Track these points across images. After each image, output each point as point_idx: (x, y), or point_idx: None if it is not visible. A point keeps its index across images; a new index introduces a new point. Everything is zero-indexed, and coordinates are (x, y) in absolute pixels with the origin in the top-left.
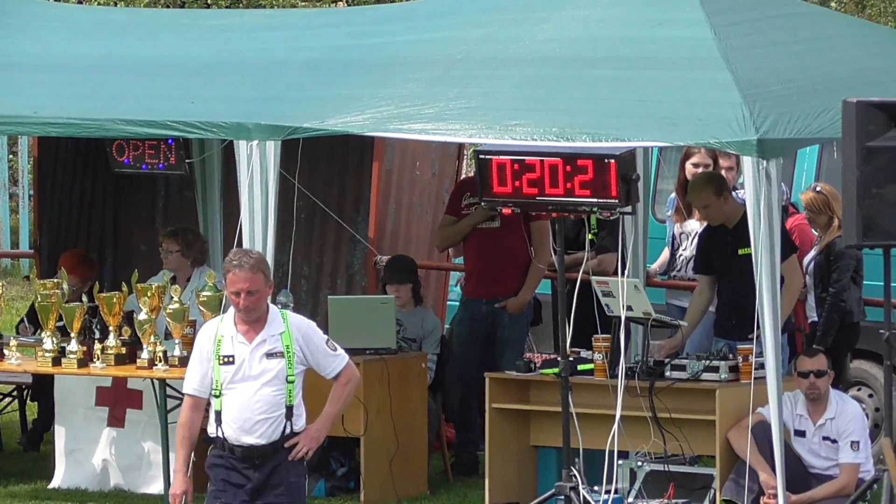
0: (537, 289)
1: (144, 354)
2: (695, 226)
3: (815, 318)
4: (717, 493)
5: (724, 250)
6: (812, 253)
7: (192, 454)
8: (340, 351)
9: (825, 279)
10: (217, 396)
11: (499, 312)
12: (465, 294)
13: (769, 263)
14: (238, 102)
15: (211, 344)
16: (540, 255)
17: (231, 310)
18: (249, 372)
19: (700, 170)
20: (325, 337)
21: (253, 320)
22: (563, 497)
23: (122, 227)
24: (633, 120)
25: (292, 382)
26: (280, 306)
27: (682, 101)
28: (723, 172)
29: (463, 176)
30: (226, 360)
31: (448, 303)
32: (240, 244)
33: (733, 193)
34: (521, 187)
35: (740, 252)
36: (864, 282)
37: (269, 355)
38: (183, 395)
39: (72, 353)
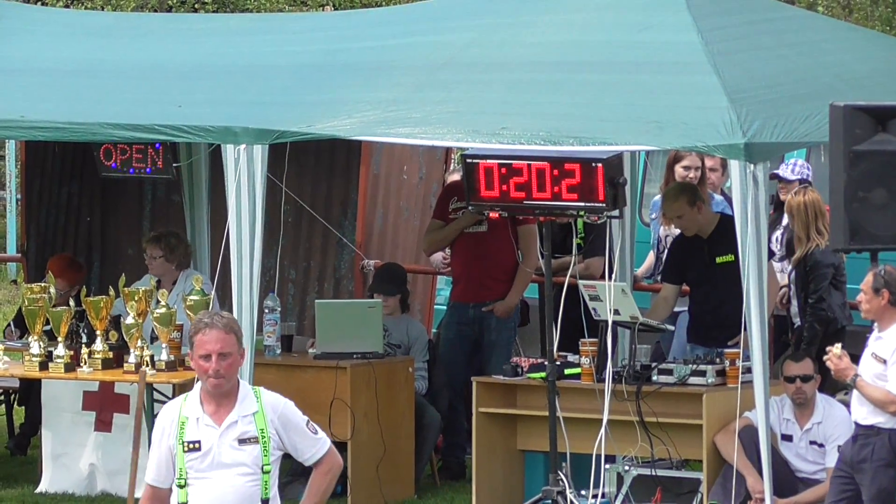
0: (525, 292)
1: (131, 359)
2: None
3: (801, 323)
4: (705, 498)
5: (699, 259)
6: (789, 265)
7: None
8: (322, 434)
9: (806, 289)
10: (181, 486)
11: (486, 316)
12: (452, 298)
13: (756, 267)
14: (225, 106)
15: (173, 427)
16: (527, 258)
17: (196, 387)
18: (220, 459)
19: (691, 174)
20: (305, 418)
21: (223, 395)
22: (549, 501)
23: (110, 232)
24: (620, 124)
25: (268, 473)
26: (267, 310)
27: (669, 105)
28: (708, 174)
29: (444, 179)
30: (191, 446)
31: (435, 307)
32: (227, 248)
33: (717, 197)
34: (509, 191)
35: (718, 260)
36: (852, 286)
37: (242, 441)
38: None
39: (59, 357)
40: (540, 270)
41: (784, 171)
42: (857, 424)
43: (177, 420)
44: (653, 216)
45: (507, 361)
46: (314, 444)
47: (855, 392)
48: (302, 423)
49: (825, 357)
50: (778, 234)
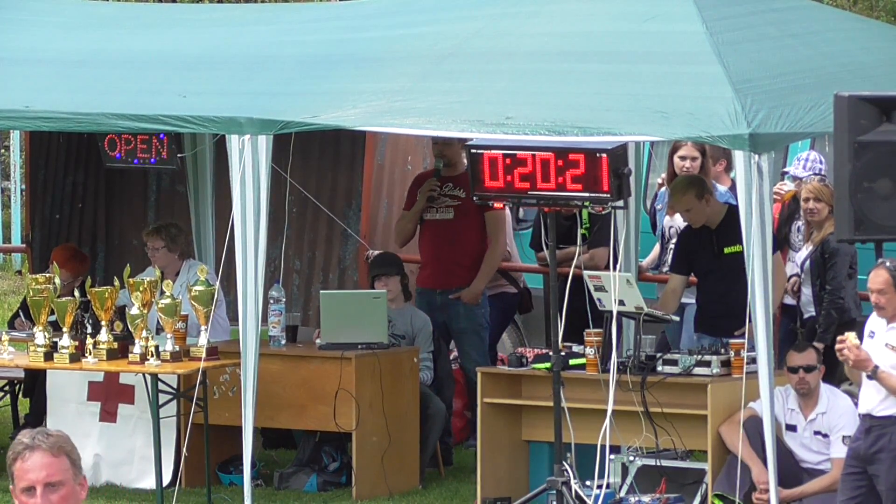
0: (490, 278)
1: (136, 349)
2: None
3: (813, 314)
4: (709, 488)
5: (708, 250)
6: (805, 251)
7: (186, 449)
8: None
9: (822, 276)
10: None
11: (453, 304)
12: (418, 283)
13: (761, 258)
14: (230, 97)
15: None
16: (494, 245)
17: None
18: None
19: (687, 163)
20: None
21: None
22: (554, 492)
23: (114, 222)
24: (624, 114)
25: None
26: (272, 301)
27: (673, 96)
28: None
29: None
30: None
31: None
32: (232, 239)
33: (720, 188)
34: (513, 182)
35: (726, 251)
36: (861, 277)
37: None
38: (175, 391)
39: (64, 347)
40: (545, 261)
41: (796, 168)
42: (870, 416)
43: None
44: (658, 206)
45: (478, 348)
46: None
47: (866, 383)
48: None
49: (838, 345)
50: (800, 223)
